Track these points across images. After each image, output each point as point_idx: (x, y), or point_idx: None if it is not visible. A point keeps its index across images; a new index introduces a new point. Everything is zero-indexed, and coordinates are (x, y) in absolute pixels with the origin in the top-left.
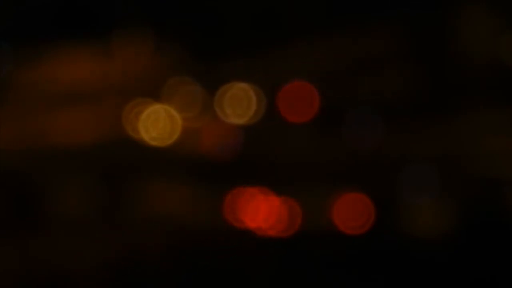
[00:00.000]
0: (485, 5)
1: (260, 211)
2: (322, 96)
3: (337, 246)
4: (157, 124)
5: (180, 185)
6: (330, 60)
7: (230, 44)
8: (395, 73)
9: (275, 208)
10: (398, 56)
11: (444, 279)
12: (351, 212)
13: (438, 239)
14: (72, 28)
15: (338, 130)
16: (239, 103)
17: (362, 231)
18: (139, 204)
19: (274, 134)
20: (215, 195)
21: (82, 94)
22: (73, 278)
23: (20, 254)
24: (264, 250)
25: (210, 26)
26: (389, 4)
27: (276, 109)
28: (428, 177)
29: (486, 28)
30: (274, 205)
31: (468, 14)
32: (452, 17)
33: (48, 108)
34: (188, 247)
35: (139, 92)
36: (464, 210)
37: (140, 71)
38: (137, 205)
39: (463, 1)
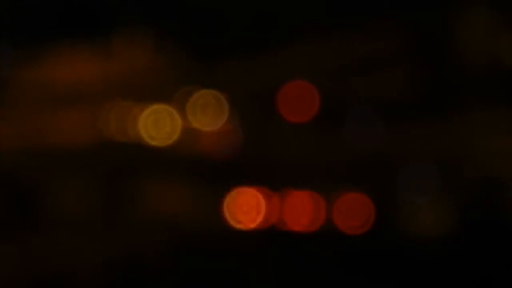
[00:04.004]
0: (485, 5)
1: (262, 211)
2: (322, 96)
3: (337, 246)
4: (157, 124)
5: (180, 185)
6: (330, 60)
7: (229, 44)
8: (395, 73)
9: (298, 204)
10: (398, 56)
11: (444, 279)
12: (351, 212)
13: (438, 239)
14: (72, 28)
15: (338, 130)
16: (210, 110)
17: (362, 231)
18: (139, 204)
19: (274, 134)
20: (215, 195)
21: (82, 94)
22: (73, 278)
23: (20, 254)
24: (263, 250)
25: (210, 26)
26: (389, 4)
27: (275, 109)
28: (428, 177)
29: (486, 28)
30: (297, 200)
31: (468, 14)
32: (452, 17)
33: (48, 108)
34: (187, 247)
35: (139, 92)
36: (464, 210)
37: (140, 71)
38: (137, 205)
39: (463, 1)
